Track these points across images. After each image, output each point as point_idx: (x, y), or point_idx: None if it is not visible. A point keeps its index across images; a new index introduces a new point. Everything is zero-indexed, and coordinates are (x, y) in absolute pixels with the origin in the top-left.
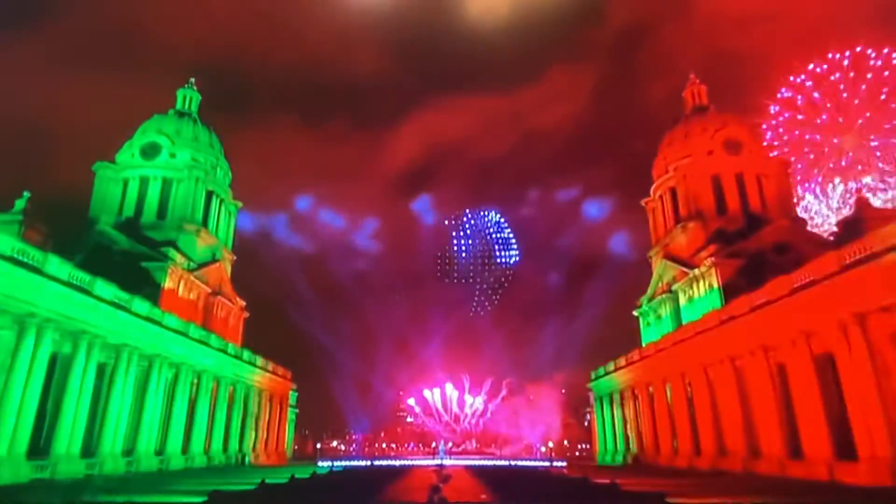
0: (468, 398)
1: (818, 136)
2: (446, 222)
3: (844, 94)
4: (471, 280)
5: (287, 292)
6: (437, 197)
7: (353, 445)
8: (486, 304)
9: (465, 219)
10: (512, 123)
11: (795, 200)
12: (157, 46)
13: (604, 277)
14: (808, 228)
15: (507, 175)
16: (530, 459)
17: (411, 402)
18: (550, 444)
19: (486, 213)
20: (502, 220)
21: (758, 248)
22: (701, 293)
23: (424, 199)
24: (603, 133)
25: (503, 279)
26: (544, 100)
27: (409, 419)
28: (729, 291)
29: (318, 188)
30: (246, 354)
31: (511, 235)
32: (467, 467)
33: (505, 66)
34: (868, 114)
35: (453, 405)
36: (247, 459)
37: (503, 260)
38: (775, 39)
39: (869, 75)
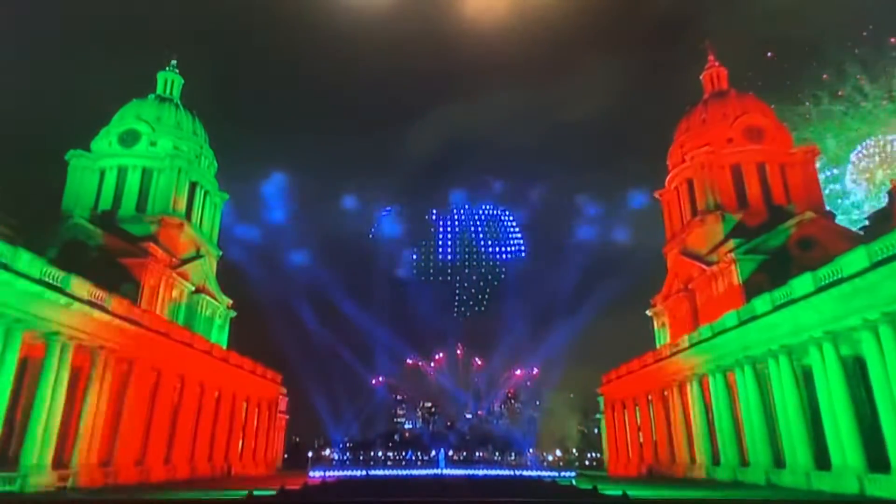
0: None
1: None
2: (443, 217)
3: None
4: (462, 278)
5: (278, 291)
6: (457, 192)
7: (348, 454)
8: (479, 304)
9: (465, 214)
10: (540, 116)
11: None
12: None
13: (622, 275)
14: (837, 221)
15: (530, 170)
16: (537, 469)
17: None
18: (558, 453)
19: (489, 207)
20: (507, 214)
21: (781, 242)
22: (720, 291)
23: (433, 196)
24: (634, 127)
25: (500, 275)
26: (576, 92)
27: (406, 425)
28: (750, 289)
29: (325, 183)
30: (233, 357)
31: (517, 230)
32: (469, 478)
33: (536, 57)
34: None
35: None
36: (233, 469)
37: (505, 256)
38: (826, 28)
39: None
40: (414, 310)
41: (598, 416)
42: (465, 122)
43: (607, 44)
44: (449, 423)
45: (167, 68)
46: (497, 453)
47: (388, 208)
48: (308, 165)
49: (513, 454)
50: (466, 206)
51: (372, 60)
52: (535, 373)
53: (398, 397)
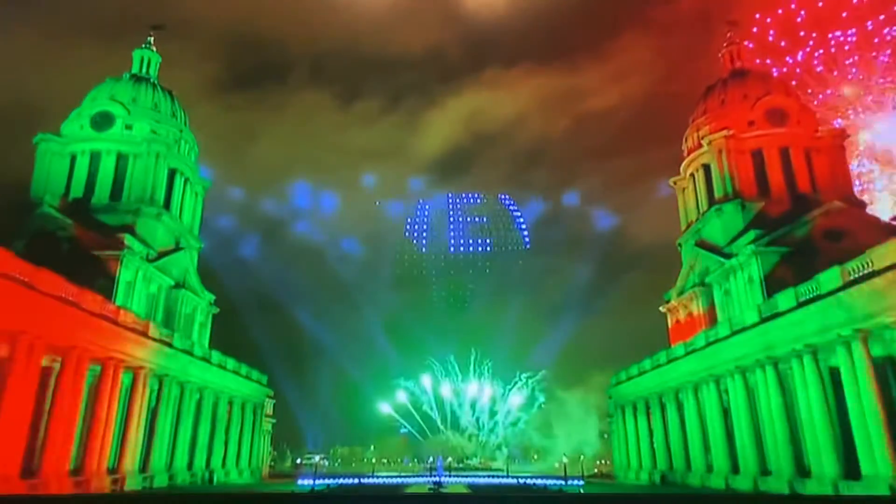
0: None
1: None
2: (452, 210)
3: None
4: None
5: (265, 287)
6: (476, 182)
7: (339, 460)
8: (482, 299)
9: (468, 204)
10: (569, 102)
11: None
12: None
13: (641, 267)
14: (868, 211)
15: (555, 159)
16: (544, 477)
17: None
18: (564, 460)
19: (497, 197)
20: (512, 205)
21: (806, 234)
22: (739, 286)
23: (444, 186)
24: (667, 115)
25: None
26: (607, 77)
27: (402, 430)
28: (772, 284)
29: (339, 173)
30: (215, 356)
31: (522, 221)
32: (468, 486)
33: (567, 41)
34: None
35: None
36: (216, 477)
37: (509, 247)
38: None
39: None
40: (416, 307)
41: (606, 419)
42: (483, 110)
43: (639, 27)
44: (448, 427)
45: (143, 45)
46: (499, 458)
47: (379, 202)
48: (307, 156)
49: (516, 459)
50: (477, 198)
51: (379, 42)
52: (543, 372)
53: (395, 399)
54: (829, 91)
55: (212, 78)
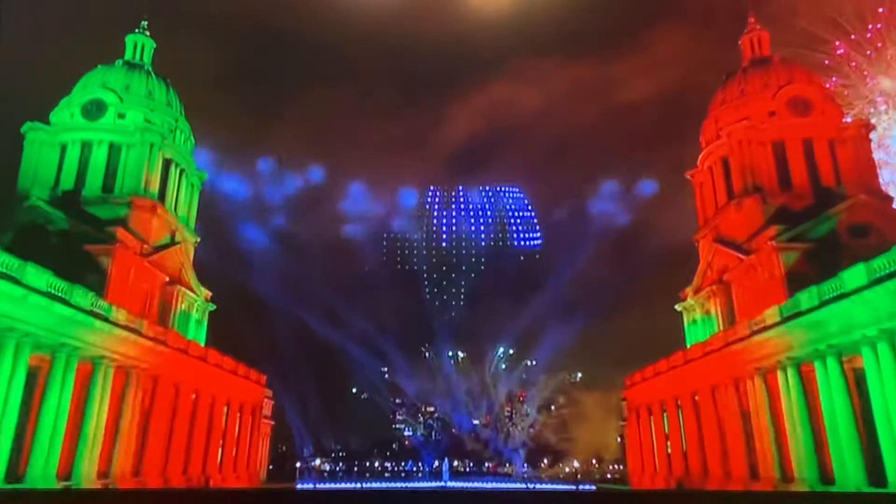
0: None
1: None
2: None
3: None
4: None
5: (264, 283)
6: (496, 176)
7: (341, 464)
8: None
9: (485, 199)
10: (598, 95)
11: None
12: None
13: (657, 266)
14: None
15: (579, 154)
16: (554, 482)
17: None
18: (576, 464)
19: (507, 190)
20: (524, 198)
21: (830, 229)
22: (759, 284)
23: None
24: (696, 108)
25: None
26: (640, 69)
27: (406, 432)
28: (794, 282)
29: (354, 166)
30: (211, 355)
31: (534, 216)
32: (476, 492)
33: (600, 30)
34: None
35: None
36: (212, 481)
37: (521, 243)
38: None
39: None
40: (423, 304)
41: (621, 422)
42: (508, 102)
43: (672, 17)
44: (454, 430)
45: (137, 30)
46: (507, 464)
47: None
48: (321, 148)
49: (525, 465)
50: (494, 192)
51: (394, 34)
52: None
53: (397, 400)
54: (868, 82)
55: (224, 69)
